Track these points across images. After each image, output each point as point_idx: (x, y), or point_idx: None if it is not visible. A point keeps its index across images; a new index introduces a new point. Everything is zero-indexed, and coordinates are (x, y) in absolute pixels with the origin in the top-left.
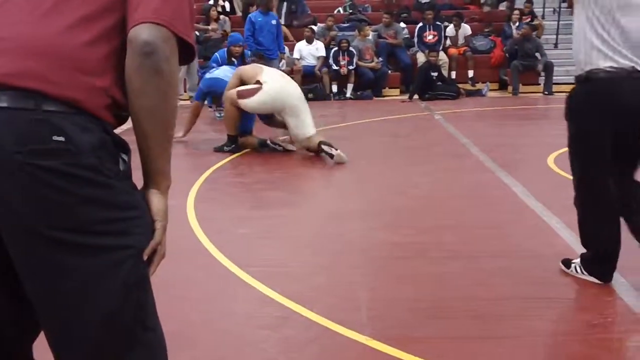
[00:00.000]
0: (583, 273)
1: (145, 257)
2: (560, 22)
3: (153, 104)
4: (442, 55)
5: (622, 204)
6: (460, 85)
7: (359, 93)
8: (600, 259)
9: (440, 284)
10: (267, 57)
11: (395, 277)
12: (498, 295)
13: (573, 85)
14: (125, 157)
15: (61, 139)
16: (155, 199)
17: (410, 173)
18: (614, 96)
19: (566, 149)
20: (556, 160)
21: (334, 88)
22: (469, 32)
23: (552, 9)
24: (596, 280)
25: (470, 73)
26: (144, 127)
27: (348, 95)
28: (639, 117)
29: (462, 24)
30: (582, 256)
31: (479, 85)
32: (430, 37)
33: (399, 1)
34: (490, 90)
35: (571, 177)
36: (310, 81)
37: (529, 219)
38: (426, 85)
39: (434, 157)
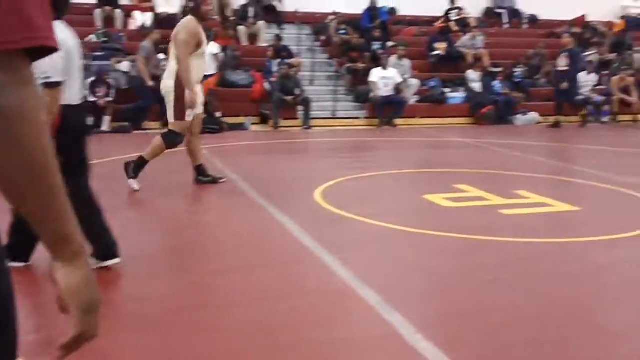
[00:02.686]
0: None
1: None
2: (315, 60)
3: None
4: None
5: None
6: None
7: (117, 126)
8: None
9: (224, 334)
10: None
11: (179, 331)
12: (292, 339)
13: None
14: None
15: None
16: (61, 275)
17: (183, 212)
18: None
19: (332, 182)
20: (323, 194)
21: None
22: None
23: (307, 47)
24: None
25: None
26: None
27: (104, 128)
28: None
29: None
30: None
31: (240, 119)
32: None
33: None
34: (252, 124)
35: (341, 212)
36: None
37: (305, 257)
38: None
39: (203, 194)
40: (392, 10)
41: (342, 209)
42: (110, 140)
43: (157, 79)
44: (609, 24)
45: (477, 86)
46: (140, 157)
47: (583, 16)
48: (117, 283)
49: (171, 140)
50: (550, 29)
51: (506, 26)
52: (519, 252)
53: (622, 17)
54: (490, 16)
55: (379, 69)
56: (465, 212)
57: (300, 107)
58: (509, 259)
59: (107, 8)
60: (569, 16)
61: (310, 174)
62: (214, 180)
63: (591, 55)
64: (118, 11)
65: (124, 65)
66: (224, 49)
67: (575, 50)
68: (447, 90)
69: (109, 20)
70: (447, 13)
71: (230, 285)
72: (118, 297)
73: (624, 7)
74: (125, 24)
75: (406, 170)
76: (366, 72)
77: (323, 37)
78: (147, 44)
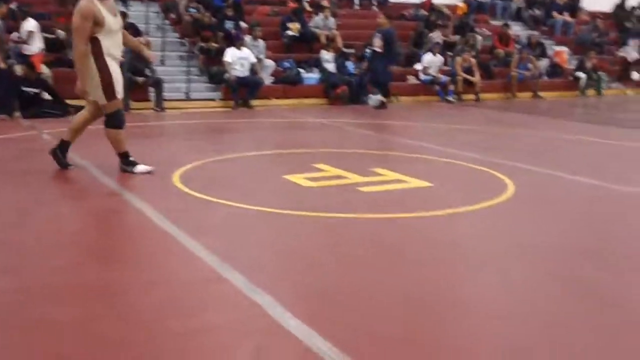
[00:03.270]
0: None
1: None
2: (166, 40)
3: None
4: (44, 68)
5: None
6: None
7: None
8: None
9: (83, 329)
10: None
11: (20, 324)
12: (154, 331)
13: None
14: None
15: None
16: None
17: (25, 203)
18: None
19: (190, 165)
20: (182, 178)
21: None
22: None
23: (156, 26)
24: None
25: None
26: None
27: None
28: None
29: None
30: None
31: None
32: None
33: None
34: None
35: (201, 196)
36: None
37: (167, 244)
38: (28, 102)
39: (52, 183)
40: None
41: (202, 192)
42: None
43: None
44: (453, 7)
45: (331, 67)
46: (119, 154)
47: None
48: None
49: (116, 121)
50: (399, 11)
51: (357, 8)
52: (377, 228)
53: (465, 1)
54: None
55: (233, 49)
56: (326, 190)
57: (151, 89)
58: (368, 235)
59: None
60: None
61: (166, 157)
62: (65, 166)
63: (436, 36)
64: None
65: None
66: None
67: (389, 30)
68: (301, 70)
69: None
70: None
71: (87, 277)
72: None
73: None
74: None
75: (265, 151)
76: (220, 52)
77: (172, 15)
78: None
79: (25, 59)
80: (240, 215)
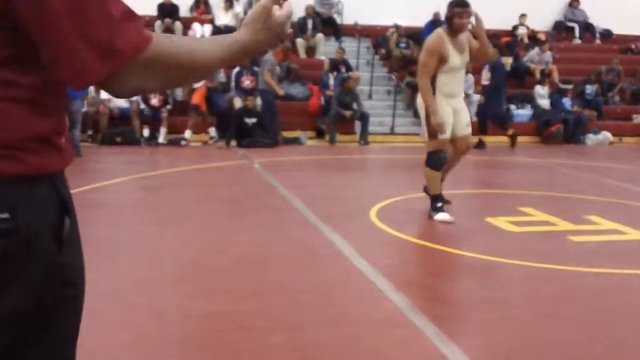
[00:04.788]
0: None
1: None
2: (374, 75)
3: None
4: (260, 101)
5: None
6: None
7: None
8: None
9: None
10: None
11: (214, 355)
12: None
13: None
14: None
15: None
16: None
17: (229, 230)
18: None
19: (389, 201)
20: (379, 214)
21: (146, 132)
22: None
23: (366, 61)
24: None
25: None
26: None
27: (161, 140)
28: None
29: None
30: None
31: (296, 134)
32: (247, 82)
33: None
34: (309, 139)
35: (396, 233)
36: (120, 124)
37: (356, 281)
38: (244, 132)
39: (254, 210)
40: None
41: (398, 229)
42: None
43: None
44: None
45: (545, 103)
46: (429, 194)
47: None
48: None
49: (433, 161)
50: (625, 44)
51: (577, 41)
52: (589, 284)
53: None
54: (560, 30)
55: None
56: (531, 237)
57: (358, 123)
58: (575, 291)
59: (167, 20)
60: None
61: (366, 192)
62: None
63: None
64: (178, 23)
65: None
66: (280, 63)
67: (498, 62)
68: (512, 107)
69: (168, 32)
70: (514, 27)
71: (277, 306)
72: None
73: None
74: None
75: (468, 190)
76: None
77: (383, 51)
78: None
79: (244, 92)
80: (434, 256)
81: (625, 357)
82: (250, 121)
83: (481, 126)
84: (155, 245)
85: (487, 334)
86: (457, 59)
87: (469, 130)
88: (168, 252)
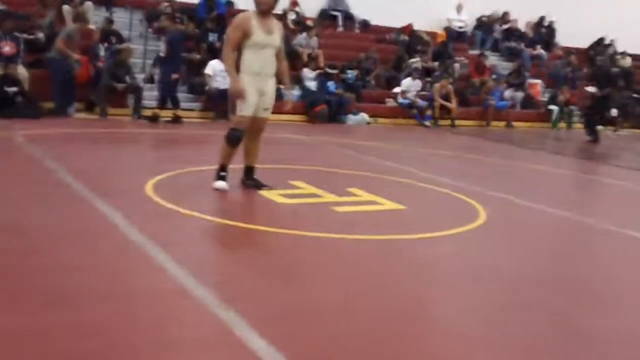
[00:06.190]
0: None
1: None
2: (147, 48)
3: None
4: (21, 69)
5: None
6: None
7: None
8: None
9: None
10: None
11: None
12: (117, 344)
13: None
14: None
15: None
16: None
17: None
18: None
19: (163, 175)
20: (154, 188)
21: None
22: None
23: (138, 33)
24: None
25: None
26: None
27: None
28: None
29: None
30: None
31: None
32: (7, 48)
33: None
34: (77, 110)
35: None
36: None
37: (133, 255)
38: (4, 101)
39: (19, 186)
40: (229, 3)
41: (174, 203)
42: None
43: None
44: (433, 34)
45: (312, 85)
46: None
47: (410, 25)
48: None
49: (228, 136)
50: (380, 34)
51: (340, 29)
52: (347, 248)
53: (445, 29)
54: (325, 18)
55: (215, 61)
56: (300, 208)
57: (131, 96)
58: (337, 254)
59: None
60: (398, 24)
61: (141, 166)
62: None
63: (415, 61)
64: None
65: None
66: None
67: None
68: (281, 87)
69: None
70: (284, 12)
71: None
72: None
73: (448, 20)
74: None
75: (240, 165)
76: (202, 63)
77: (155, 24)
78: None
79: (4, 59)
80: (213, 228)
81: (387, 308)
82: (11, 90)
83: None
84: None
85: (263, 298)
86: (261, 36)
87: (268, 113)
88: None
